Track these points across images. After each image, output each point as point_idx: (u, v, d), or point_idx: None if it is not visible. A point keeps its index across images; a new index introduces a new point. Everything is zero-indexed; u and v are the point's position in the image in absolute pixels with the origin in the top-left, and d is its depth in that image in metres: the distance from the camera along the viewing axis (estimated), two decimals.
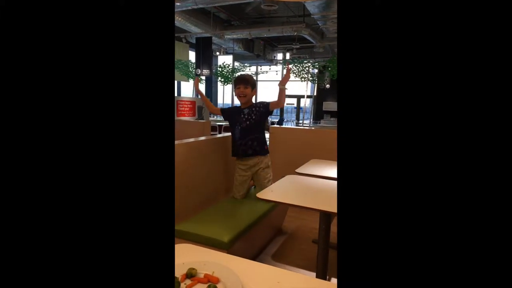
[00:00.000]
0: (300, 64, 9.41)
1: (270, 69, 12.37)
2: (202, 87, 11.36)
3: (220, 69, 9.60)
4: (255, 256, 2.06)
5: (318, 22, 7.12)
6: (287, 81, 2.01)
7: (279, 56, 12.49)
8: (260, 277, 0.79)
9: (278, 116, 11.80)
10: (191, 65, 9.42)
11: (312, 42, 9.07)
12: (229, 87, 11.71)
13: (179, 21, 7.33)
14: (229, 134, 2.34)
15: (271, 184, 2.07)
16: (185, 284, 0.74)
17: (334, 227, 1.37)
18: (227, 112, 2.28)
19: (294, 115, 13.57)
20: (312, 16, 6.91)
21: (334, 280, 1.72)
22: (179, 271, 0.77)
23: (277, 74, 12.21)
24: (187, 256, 0.85)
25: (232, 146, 2.23)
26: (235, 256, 0.88)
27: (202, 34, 8.69)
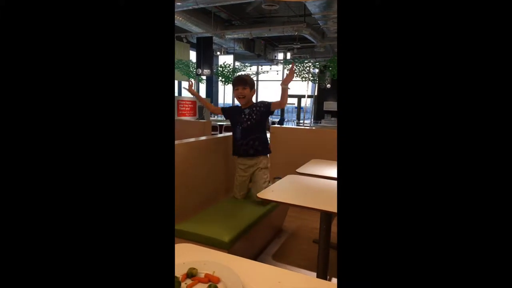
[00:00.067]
0: (301, 64, 9.40)
1: (270, 69, 12.36)
2: (202, 87, 11.35)
3: (221, 69, 9.60)
4: (256, 256, 2.06)
5: (319, 21, 7.11)
6: (290, 81, 2.00)
7: (280, 56, 12.48)
8: (260, 277, 0.79)
9: (279, 116, 11.80)
10: (192, 65, 9.42)
11: (313, 42, 9.06)
12: (230, 87, 11.69)
13: (180, 21, 7.33)
14: (229, 134, 2.34)
15: (267, 184, 2.07)
16: (185, 283, 0.74)
17: (334, 227, 1.37)
18: (228, 112, 2.28)
19: (294, 115, 13.56)
20: (313, 16, 6.91)
21: (334, 280, 1.72)
22: (180, 270, 0.77)
23: (277, 74, 12.20)
24: (187, 256, 0.85)
25: (233, 145, 2.22)
26: (235, 256, 0.88)
27: (203, 34, 8.69)
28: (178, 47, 8.99)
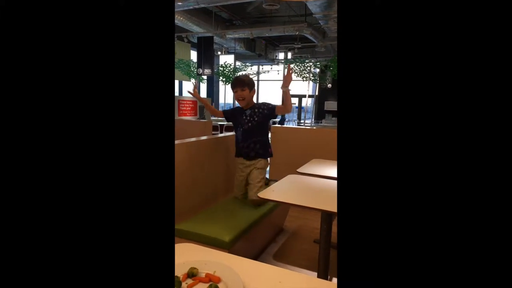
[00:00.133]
0: (301, 63, 9.40)
1: (271, 68, 12.35)
2: (203, 87, 11.35)
3: (221, 68, 9.60)
4: (257, 255, 2.06)
5: (319, 21, 7.11)
6: (289, 82, 1.95)
7: (281, 55, 12.47)
8: (261, 277, 0.79)
9: (280, 116, 11.79)
10: (192, 64, 9.42)
11: (313, 42, 9.05)
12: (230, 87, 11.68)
13: (180, 21, 7.33)
14: (230, 133, 2.34)
15: (261, 185, 2.07)
16: (186, 283, 0.74)
17: (335, 227, 1.37)
18: (229, 114, 2.25)
19: (295, 115, 13.56)
20: (313, 16, 6.90)
21: (335, 280, 1.72)
22: (180, 270, 0.77)
23: (278, 73, 12.19)
24: (188, 256, 0.85)
25: (235, 147, 2.22)
26: (236, 256, 0.88)
27: (204, 34, 8.69)
28: (179, 47, 8.98)
